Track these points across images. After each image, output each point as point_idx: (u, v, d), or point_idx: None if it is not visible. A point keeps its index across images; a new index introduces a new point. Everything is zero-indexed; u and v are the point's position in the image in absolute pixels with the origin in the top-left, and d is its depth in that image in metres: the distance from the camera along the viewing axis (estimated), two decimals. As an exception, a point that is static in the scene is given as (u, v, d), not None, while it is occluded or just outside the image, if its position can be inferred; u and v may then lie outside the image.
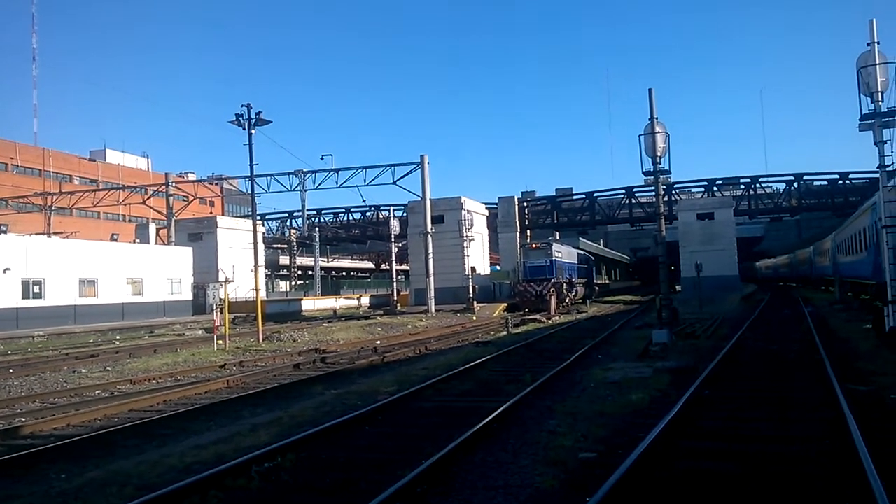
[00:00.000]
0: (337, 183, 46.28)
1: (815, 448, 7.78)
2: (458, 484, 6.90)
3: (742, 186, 66.75)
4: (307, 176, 46.97)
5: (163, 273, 49.69)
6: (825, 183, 65.28)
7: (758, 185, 64.49)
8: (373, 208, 72.32)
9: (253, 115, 26.85)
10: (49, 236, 49.42)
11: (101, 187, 64.48)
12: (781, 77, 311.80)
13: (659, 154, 20.96)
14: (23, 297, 38.75)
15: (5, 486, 7.63)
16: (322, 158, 46.44)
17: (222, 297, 25.23)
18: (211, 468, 7.50)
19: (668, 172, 21.98)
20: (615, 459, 7.28)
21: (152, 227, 58.66)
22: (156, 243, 56.58)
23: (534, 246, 44.59)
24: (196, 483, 6.85)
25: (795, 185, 63.45)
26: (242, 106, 26.74)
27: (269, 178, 47.42)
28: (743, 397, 11.11)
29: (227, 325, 25.12)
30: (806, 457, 7.47)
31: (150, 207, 57.59)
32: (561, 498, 6.39)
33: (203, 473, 7.19)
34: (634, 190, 65.82)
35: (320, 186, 46.95)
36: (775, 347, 18.04)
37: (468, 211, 49.53)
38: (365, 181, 45.41)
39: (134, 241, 57.12)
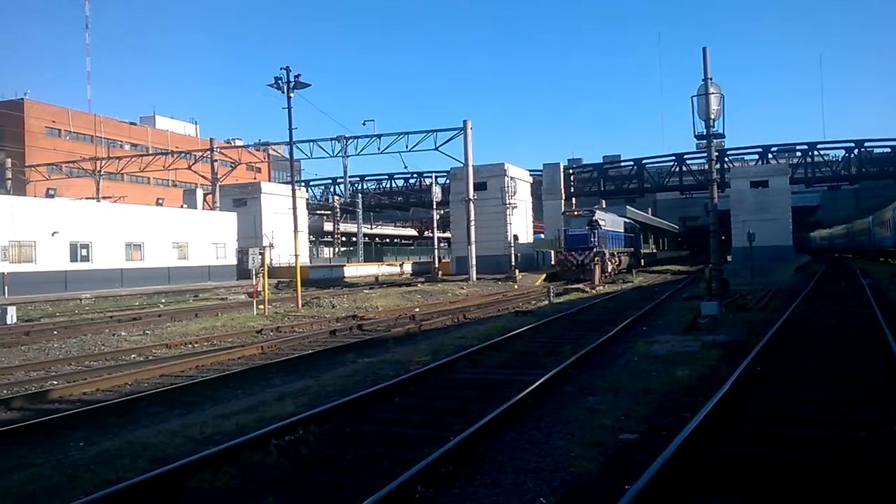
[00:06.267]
0: (379, 149, 45.88)
1: (881, 434, 7.06)
2: (485, 465, 6.40)
3: (798, 153, 64.14)
4: (349, 142, 46.68)
5: (208, 238, 50.20)
6: (888, 150, 62.29)
7: (815, 153, 61.85)
8: (415, 175, 71.90)
9: (292, 79, 26.41)
10: (98, 201, 50.28)
11: (149, 153, 65.36)
12: (841, 41, 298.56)
13: (713, 117, 19.80)
14: (71, 260, 39.52)
15: (20, 453, 7.41)
16: (364, 124, 46.16)
17: (262, 262, 25.06)
18: (230, 440, 7.17)
19: (722, 136, 20.83)
20: (659, 442, 6.69)
21: (199, 193, 59.24)
22: (203, 208, 57.19)
23: (575, 213, 43.26)
24: (210, 457, 6.49)
25: (855, 152, 60.62)
26: (281, 69, 26.29)
27: (311, 143, 47.32)
28: (799, 375, 10.34)
29: (266, 291, 25.05)
30: (873, 445, 6.76)
31: (195, 172, 58.10)
32: (597, 485, 5.83)
33: (218, 447, 6.84)
34: (685, 156, 63.89)
35: (362, 152, 46.68)
36: (833, 321, 17.04)
37: (511, 178, 48.66)
38: (407, 147, 44.89)
39: (182, 206, 57.79)
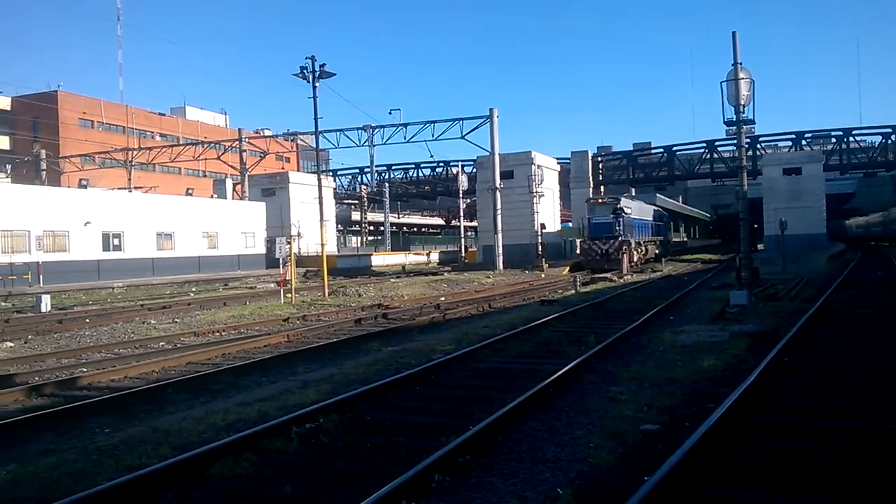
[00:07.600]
0: (405, 138, 45.97)
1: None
2: (503, 455, 6.38)
3: (833, 140, 62.68)
4: (375, 131, 46.80)
5: (237, 227, 50.74)
6: (927, 135, 60.56)
7: (850, 139, 60.38)
8: (442, 164, 71.82)
9: (317, 68, 26.48)
10: (130, 191, 51.05)
11: (179, 143, 66.16)
12: (879, 25, 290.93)
13: (742, 102, 19.40)
14: (103, 250, 40.22)
15: (48, 439, 7.58)
16: (390, 113, 46.22)
17: (289, 251, 25.25)
18: (252, 427, 7.24)
19: (752, 123, 20.36)
20: (680, 433, 6.60)
21: (229, 183, 59.90)
22: (232, 198, 57.81)
23: (600, 201, 41.82)
24: (231, 444, 6.55)
25: (892, 137, 59.04)
26: (307, 58, 26.38)
27: (338, 133, 47.57)
28: (827, 366, 10.13)
29: (293, 279, 25.25)
30: (902, 438, 6.59)
31: (225, 163, 58.68)
32: (615, 476, 5.77)
33: (239, 433, 6.91)
34: (716, 143, 62.80)
35: (389, 141, 46.84)
36: (865, 311, 16.68)
37: (538, 166, 48.31)
38: (433, 136, 44.95)
39: (212, 196, 58.45)
